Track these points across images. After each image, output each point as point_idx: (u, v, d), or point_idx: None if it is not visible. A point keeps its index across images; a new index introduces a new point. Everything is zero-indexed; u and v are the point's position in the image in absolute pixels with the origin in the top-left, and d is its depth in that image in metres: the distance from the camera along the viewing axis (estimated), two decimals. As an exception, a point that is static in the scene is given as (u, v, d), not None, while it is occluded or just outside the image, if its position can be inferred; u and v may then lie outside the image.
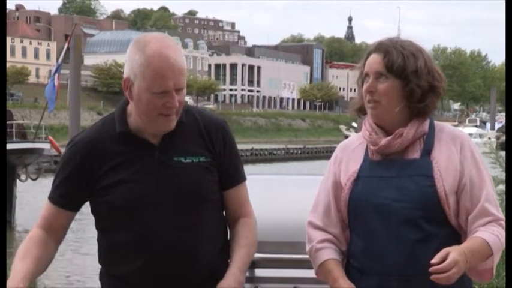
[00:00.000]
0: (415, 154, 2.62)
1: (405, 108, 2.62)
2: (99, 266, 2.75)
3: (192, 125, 2.66)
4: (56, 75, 23.73)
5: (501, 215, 2.63)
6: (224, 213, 2.75)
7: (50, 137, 27.11)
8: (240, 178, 2.74)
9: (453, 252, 2.45)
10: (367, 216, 2.61)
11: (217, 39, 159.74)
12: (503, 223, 2.61)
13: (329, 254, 2.68)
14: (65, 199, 2.66)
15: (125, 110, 2.66)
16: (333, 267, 2.66)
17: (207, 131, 2.67)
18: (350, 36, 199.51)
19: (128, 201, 2.57)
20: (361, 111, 2.73)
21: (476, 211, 2.58)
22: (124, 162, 2.60)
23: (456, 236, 2.61)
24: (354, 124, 47.44)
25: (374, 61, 2.63)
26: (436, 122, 2.69)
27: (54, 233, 2.68)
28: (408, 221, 2.55)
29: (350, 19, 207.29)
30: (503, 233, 2.59)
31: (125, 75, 2.58)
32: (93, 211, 2.68)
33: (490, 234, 2.55)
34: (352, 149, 2.73)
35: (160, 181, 2.59)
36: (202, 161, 2.64)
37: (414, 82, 2.59)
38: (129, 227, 2.59)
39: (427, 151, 2.61)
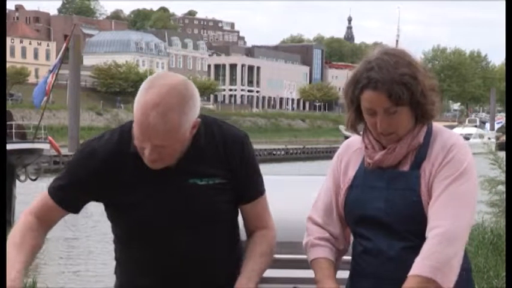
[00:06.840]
0: (405, 166, 2.60)
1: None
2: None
3: (209, 142, 2.58)
4: (51, 73, 23.69)
5: (447, 222, 2.46)
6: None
7: (50, 137, 27.15)
8: (258, 194, 2.70)
9: None
10: (361, 223, 2.63)
11: (216, 39, 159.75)
12: (442, 229, 2.45)
13: (323, 252, 2.69)
14: (69, 201, 2.63)
15: None
16: (323, 266, 2.66)
17: (224, 147, 2.59)
18: (350, 36, 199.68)
19: (142, 224, 2.55)
20: (357, 128, 2.68)
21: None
22: (139, 183, 2.55)
23: None
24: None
25: (377, 99, 2.52)
26: (433, 128, 2.63)
27: (46, 224, 2.65)
28: (396, 234, 2.55)
29: (350, 19, 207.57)
30: (441, 245, 2.44)
31: None
32: (109, 219, 2.66)
33: (425, 261, 2.44)
34: (353, 151, 2.73)
35: (174, 204, 2.54)
36: (218, 182, 2.57)
37: (423, 102, 2.55)
38: (143, 247, 2.58)
39: (418, 164, 2.58)
